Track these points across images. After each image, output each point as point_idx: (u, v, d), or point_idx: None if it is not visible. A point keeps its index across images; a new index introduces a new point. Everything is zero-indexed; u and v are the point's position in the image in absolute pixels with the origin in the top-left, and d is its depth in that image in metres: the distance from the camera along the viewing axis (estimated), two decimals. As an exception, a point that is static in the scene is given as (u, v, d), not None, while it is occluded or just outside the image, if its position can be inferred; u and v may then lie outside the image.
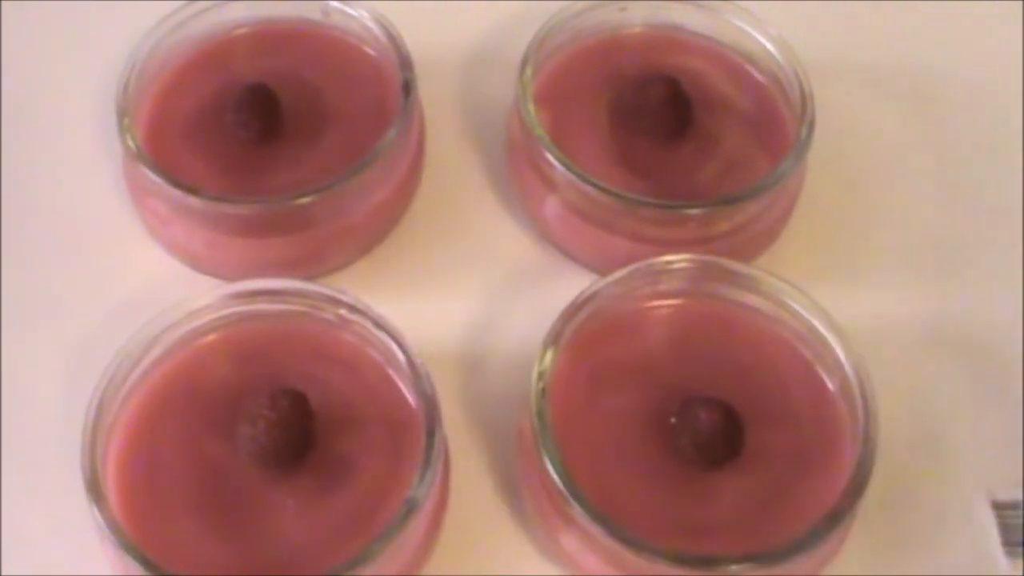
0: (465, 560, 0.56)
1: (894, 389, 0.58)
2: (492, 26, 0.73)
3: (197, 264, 0.63)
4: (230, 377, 0.56)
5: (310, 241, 0.62)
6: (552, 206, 0.63)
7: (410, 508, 0.51)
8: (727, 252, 0.59)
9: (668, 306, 0.59)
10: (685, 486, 0.54)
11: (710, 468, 0.54)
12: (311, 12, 0.67)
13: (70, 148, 0.68)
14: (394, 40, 0.65)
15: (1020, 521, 0.57)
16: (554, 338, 0.56)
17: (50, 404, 0.59)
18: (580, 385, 0.56)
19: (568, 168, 0.61)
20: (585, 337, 0.57)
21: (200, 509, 0.53)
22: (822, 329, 0.56)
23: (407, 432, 0.54)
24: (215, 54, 0.66)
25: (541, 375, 0.55)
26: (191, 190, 0.60)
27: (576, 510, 0.51)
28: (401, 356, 0.55)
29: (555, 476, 0.52)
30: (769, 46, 0.65)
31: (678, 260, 0.58)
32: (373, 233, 0.64)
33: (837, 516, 0.51)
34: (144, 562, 0.50)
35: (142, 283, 0.63)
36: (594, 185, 0.60)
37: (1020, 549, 0.56)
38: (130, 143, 0.61)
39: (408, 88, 0.63)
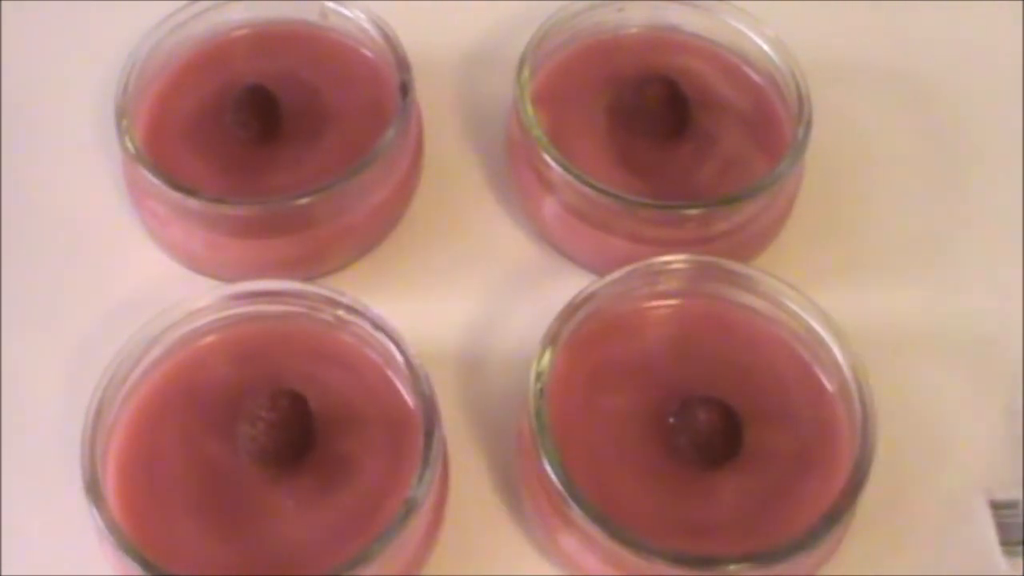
0: (464, 560, 0.56)
1: (892, 389, 0.58)
2: (490, 26, 0.73)
3: (196, 265, 0.63)
4: (229, 378, 0.56)
5: (309, 242, 0.62)
6: (550, 206, 0.63)
7: (409, 508, 0.51)
8: (725, 252, 0.59)
9: (666, 306, 0.59)
10: (684, 486, 0.54)
11: (709, 468, 0.54)
12: (309, 13, 0.67)
13: (69, 149, 0.68)
14: (391, 41, 0.65)
15: (1018, 520, 0.57)
16: (552, 338, 0.56)
17: (50, 404, 0.59)
18: (579, 385, 0.56)
19: (566, 169, 0.61)
20: (583, 337, 0.57)
21: (199, 509, 0.53)
22: (820, 329, 0.56)
23: (406, 432, 0.54)
24: (214, 55, 0.66)
25: (539, 375, 0.55)
26: (190, 191, 0.60)
27: (575, 510, 0.51)
28: (400, 357, 0.55)
29: (554, 476, 0.52)
30: (766, 47, 0.66)
31: (676, 260, 0.58)
32: (372, 234, 0.65)
33: (835, 516, 0.51)
34: (143, 563, 0.50)
35: (141, 284, 0.63)
36: (592, 186, 0.60)
37: (1018, 548, 0.56)
38: (129, 144, 0.61)
39: (406, 89, 0.63)
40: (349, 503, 0.53)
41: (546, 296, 0.59)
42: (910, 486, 0.58)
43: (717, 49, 0.67)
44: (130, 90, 0.63)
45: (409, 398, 0.55)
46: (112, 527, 0.50)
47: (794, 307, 0.57)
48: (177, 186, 0.60)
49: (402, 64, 0.64)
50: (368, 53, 0.66)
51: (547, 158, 0.61)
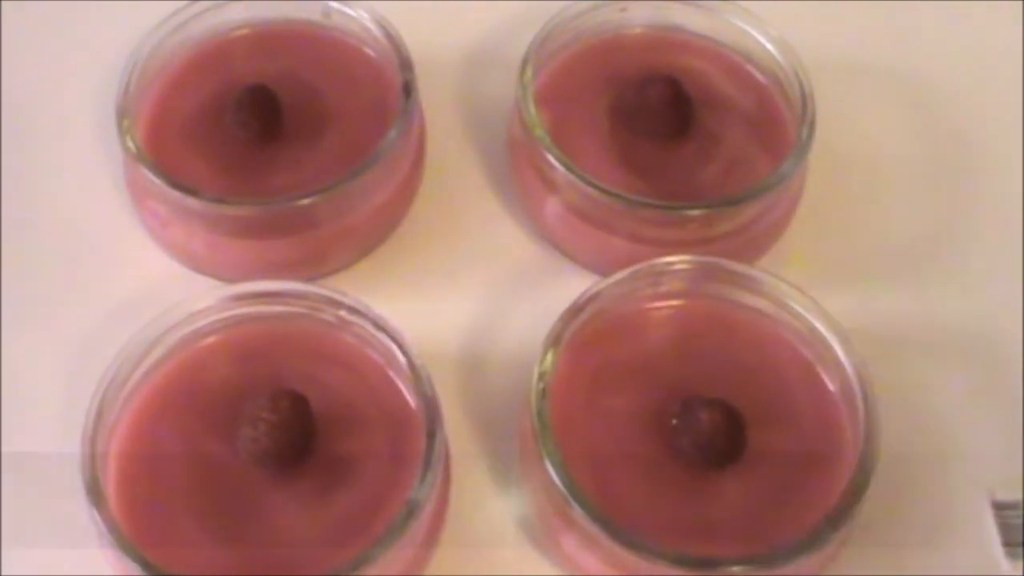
0: (466, 561, 0.56)
1: (895, 389, 0.57)
2: (493, 26, 0.73)
3: (197, 265, 0.63)
4: (230, 379, 0.56)
5: (311, 242, 0.62)
6: (553, 207, 0.63)
7: (411, 509, 0.51)
8: (728, 253, 0.59)
9: (669, 307, 0.59)
10: (686, 487, 0.54)
11: (711, 469, 0.54)
12: (312, 13, 0.67)
13: (70, 149, 0.68)
14: (394, 41, 0.65)
15: (1020, 521, 0.57)
16: (555, 339, 0.56)
17: (50, 405, 0.59)
18: (581, 386, 0.56)
19: (569, 169, 0.61)
20: (586, 338, 0.57)
21: (200, 510, 0.53)
22: (823, 330, 0.56)
23: (408, 433, 0.54)
24: (215, 55, 0.66)
25: (542, 376, 0.55)
26: (191, 191, 0.59)
27: (576, 511, 0.51)
28: (401, 357, 0.55)
29: (556, 477, 0.52)
30: (770, 46, 0.65)
31: (679, 261, 0.58)
32: (374, 234, 0.64)
33: (838, 517, 0.51)
34: (143, 563, 0.50)
35: (142, 285, 0.63)
36: (595, 186, 0.60)
37: (1020, 549, 0.56)
38: (130, 144, 0.61)
39: (408, 89, 0.63)
40: (350, 504, 0.53)
41: (548, 296, 0.59)
42: (913, 487, 0.58)
43: (720, 49, 0.67)
44: (131, 90, 0.63)
45: (411, 399, 0.55)
46: (112, 528, 0.50)
47: (797, 308, 0.57)
48: (178, 186, 0.60)
49: (405, 64, 0.64)
50: (371, 53, 0.66)
51: (550, 158, 0.61)
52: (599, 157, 0.63)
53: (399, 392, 0.55)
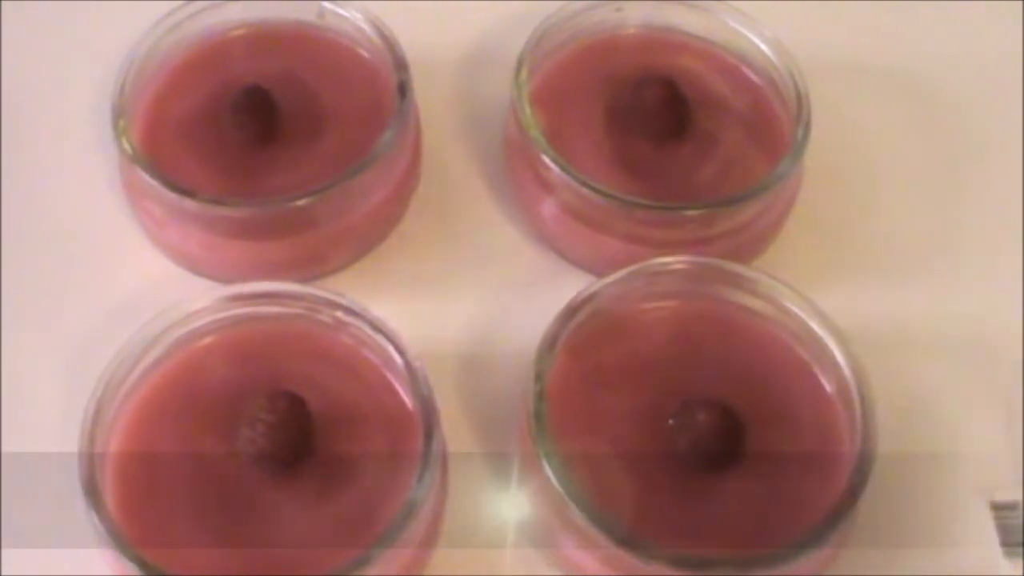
0: (464, 562, 0.56)
1: (892, 390, 0.57)
2: (488, 27, 0.73)
3: (194, 266, 0.63)
4: (228, 380, 0.56)
5: (307, 243, 0.62)
6: (549, 207, 0.63)
7: (409, 510, 0.51)
8: (725, 253, 0.59)
9: (666, 308, 0.59)
10: (684, 488, 0.54)
11: (709, 470, 0.54)
12: (307, 14, 0.67)
13: (66, 150, 0.68)
14: (389, 41, 0.65)
15: (1019, 522, 0.57)
16: (552, 340, 0.56)
17: (47, 406, 0.59)
18: (578, 387, 0.56)
19: (564, 169, 0.61)
20: (583, 339, 0.57)
21: (198, 511, 0.52)
22: (820, 330, 0.56)
23: (405, 434, 0.54)
24: (211, 56, 0.66)
25: (539, 376, 0.55)
26: (187, 192, 0.59)
27: (574, 512, 0.51)
28: (398, 358, 0.55)
29: (553, 478, 0.52)
30: (764, 47, 0.66)
31: (676, 262, 0.58)
32: (370, 235, 0.64)
33: (836, 517, 0.51)
34: (141, 564, 0.50)
35: (139, 285, 0.63)
36: (591, 186, 0.60)
37: (1019, 550, 0.56)
38: (126, 145, 0.61)
39: (403, 89, 0.63)
40: (348, 504, 0.53)
41: (545, 297, 0.59)
42: (911, 487, 0.58)
43: (716, 49, 0.67)
44: (127, 90, 0.63)
45: (408, 399, 0.55)
46: (110, 528, 0.50)
47: (794, 308, 0.57)
48: (174, 187, 0.59)
49: (400, 64, 0.64)
50: (365, 53, 0.66)
51: (545, 159, 0.61)
52: (595, 158, 0.63)
53: (396, 393, 0.55)
